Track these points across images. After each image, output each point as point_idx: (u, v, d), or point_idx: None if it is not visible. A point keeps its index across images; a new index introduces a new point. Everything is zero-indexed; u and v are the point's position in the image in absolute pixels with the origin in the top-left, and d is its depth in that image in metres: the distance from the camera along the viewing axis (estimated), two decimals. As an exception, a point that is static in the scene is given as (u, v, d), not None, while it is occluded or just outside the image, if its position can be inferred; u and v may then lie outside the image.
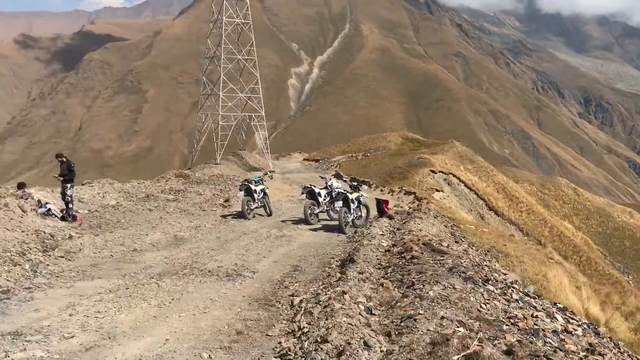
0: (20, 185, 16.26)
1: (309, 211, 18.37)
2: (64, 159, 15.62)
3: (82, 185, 21.57)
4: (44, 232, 11.63)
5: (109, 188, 22.20)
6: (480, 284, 8.71)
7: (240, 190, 19.85)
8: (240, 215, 19.26)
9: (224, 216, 19.45)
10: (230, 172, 43.23)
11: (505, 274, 10.77)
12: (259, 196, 20.05)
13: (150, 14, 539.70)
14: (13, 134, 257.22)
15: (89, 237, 12.74)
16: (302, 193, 19.46)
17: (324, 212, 19.39)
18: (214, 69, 56.16)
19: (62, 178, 15.44)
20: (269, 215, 20.35)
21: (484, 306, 7.64)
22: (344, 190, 17.79)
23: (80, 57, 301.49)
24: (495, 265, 11.84)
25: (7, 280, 8.84)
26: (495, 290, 8.72)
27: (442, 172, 47.44)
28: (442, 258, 9.94)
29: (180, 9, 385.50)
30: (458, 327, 6.21)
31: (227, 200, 22.68)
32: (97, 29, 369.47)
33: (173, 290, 8.99)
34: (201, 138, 57.04)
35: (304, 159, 64.99)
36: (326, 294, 7.83)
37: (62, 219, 14.67)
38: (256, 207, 19.96)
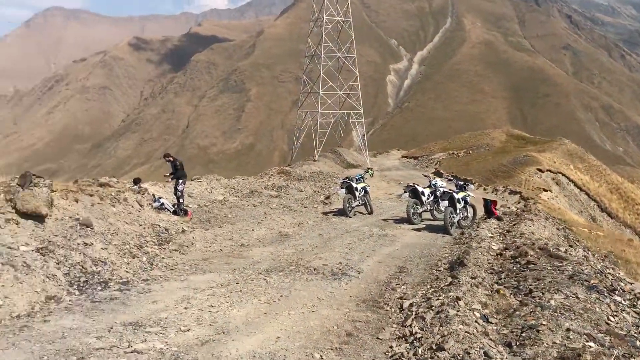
0: (137, 181, 17.16)
1: (412, 210, 17.97)
2: (171, 158, 16.29)
3: (192, 180, 22.52)
4: (159, 226, 12.19)
5: (215, 184, 23.02)
6: (605, 294, 8.05)
7: (342, 187, 19.81)
8: (341, 212, 19.23)
9: (325, 213, 19.50)
10: (328, 168, 43.54)
11: (631, 283, 9.89)
12: (360, 194, 19.92)
13: (254, 15, 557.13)
14: (127, 131, 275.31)
15: (200, 231, 13.21)
16: (405, 192, 19.06)
17: (427, 211, 18.92)
18: (314, 67, 56.88)
19: (171, 176, 16.19)
20: (370, 213, 20.16)
21: (612, 318, 7.05)
22: (450, 190, 17.24)
23: (188, 58, 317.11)
24: (619, 273, 10.91)
25: (127, 271, 9.33)
26: (623, 302, 8.02)
27: (550, 170, 45.06)
28: (560, 264, 9.30)
29: (282, 8, 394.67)
30: (587, 341, 5.73)
31: (327, 198, 22.77)
32: (203, 30, 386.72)
33: (281, 287, 9.06)
34: (301, 135, 57.97)
35: (402, 156, 64.23)
36: (438, 299, 7.54)
37: (174, 213, 15.36)
38: (357, 205, 19.86)
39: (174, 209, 15.43)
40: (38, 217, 9.04)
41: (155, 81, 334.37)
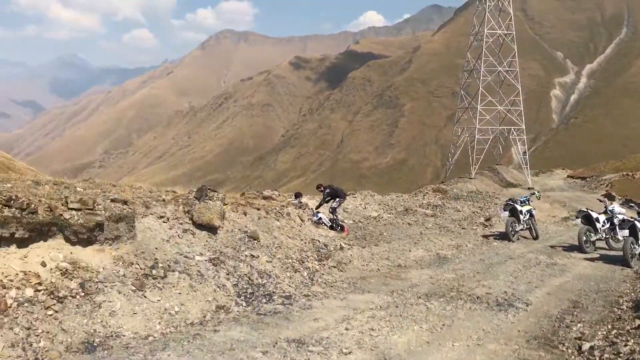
0: (298, 195, 17.72)
1: (585, 238, 16.41)
2: (322, 189, 17.11)
3: (346, 196, 22.96)
4: (319, 242, 12.42)
5: (370, 199, 23.10)
6: None
7: (505, 210, 18.72)
8: (503, 236, 18.18)
9: (486, 236, 18.56)
10: (485, 187, 41.71)
11: None
12: (524, 217, 18.71)
13: (411, 31, 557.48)
14: (286, 145, 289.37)
15: (357, 249, 13.25)
16: (577, 217, 17.47)
17: (601, 239, 17.17)
18: (472, 82, 55.17)
19: (321, 204, 16.90)
20: (535, 238, 18.81)
21: None
22: (630, 218, 15.44)
23: (344, 75, 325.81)
24: None
25: (289, 285, 9.56)
26: None
27: None
28: None
29: (440, 24, 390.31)
30: None
31: (488, 220, 21.71)
32: (360, 48, 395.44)
33: (442, 314, 8.66)
34: (456, 152, 56.30)
35: (568, 176, 59.65)
36: (626, 345, 6.65)
37: (331, 228, 15.62)
38: (521, 229, 18.66)
39: (330, 224, 15.68)
40: (211, 229, 9.64)
41: (313, 98, 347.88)
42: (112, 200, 8.65)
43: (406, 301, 9.31)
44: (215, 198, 10.03)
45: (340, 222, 16.05)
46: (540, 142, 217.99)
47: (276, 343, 6.87)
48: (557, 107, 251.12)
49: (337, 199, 16.34)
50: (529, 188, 40.82)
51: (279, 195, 17.95)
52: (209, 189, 10.33)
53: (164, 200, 9.92)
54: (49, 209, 7.53)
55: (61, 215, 7.57)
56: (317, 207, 16.64)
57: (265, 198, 15.91)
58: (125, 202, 8.77)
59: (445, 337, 7.58)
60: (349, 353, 6.73)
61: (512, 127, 53.55)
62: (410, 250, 14.21)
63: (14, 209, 7.04)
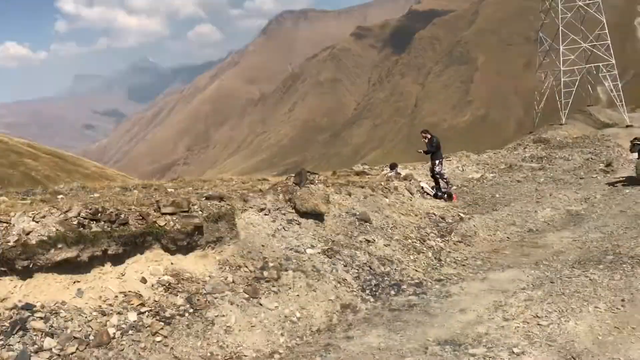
0: (393, 166, 16.23)
1: None
2: (428, 135, 14.95)
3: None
4: (435, 215, 11.01)
5: (466, 160, 21.32)
6: None
7: (632, 151, 16.46)
8: (633, 181, 15.92)
9: (612, 184, 16.35)
10: (579, 131, 38.50)
11: None
12: (657, 157, 16.34)
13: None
14: (359, 118, 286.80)
15: (478, 217, 11.67)
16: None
17: None
18: (549, 23, 51.13)
19: (425, 153, 14.96)
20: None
21: None
22: None
23: (410, 38, 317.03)
24: None
25: (416, 270, 8.25)
26: None
27: None
28: None
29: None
30: None
31: (609, 165, 19.31)
32: (422, 7, 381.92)
33: (614, 286, 7.04)
34: (542, 99, 52.64)
35: (671, 108, 54.28)
36: None
37: (435, 197, 14.04)
38: (654, 171, 16.31)
39: (434, 192, 14.12)
40: (317, 216, 8.51)
41: (381, 66, 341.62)
42: (207, 198, 7.69)
43: (560, 274, 7.74)
44: (316, 181, 8.92)
45: (448, 189, 14.37)
46: (629, 77, 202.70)
47: (426, 348, 5.59)
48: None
49: (438, 159, 14.56)
50: (627, 126, 37.19)
51: (371, 168, 16.58)
52: (309, 172, 9.23)
53: (260, 190, 8.90)
54: (140, 217, 6.61)
55: (155, 222, 6.65)
56: (424, 152, 14.97)
57: (358, 174, 14.65)
58: (221, 198, 7.77)
59: (634, 317, 6.00)
60: (522, 353, 5.33)
61: (601, 64, 49.26)
62: (535, 211, 12.46)
63: (102, 222, 6.17)
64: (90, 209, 6.18)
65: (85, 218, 6.08)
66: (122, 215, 6.44)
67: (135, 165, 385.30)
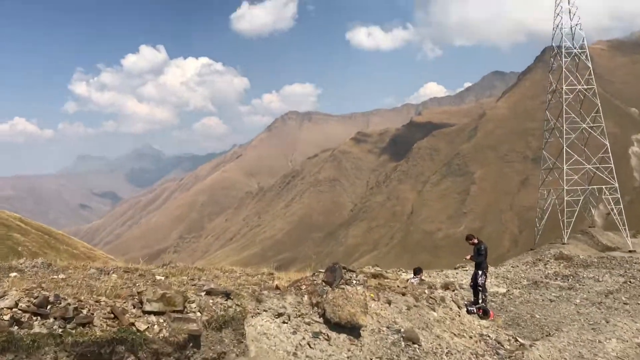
0: (417, 271, 14.19)
1: None
2: (476, 241, 13.22)
3: (455, 269, 19.41)
4: (489, 337, 8.76)
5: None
6: None
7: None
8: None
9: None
10: (581, 252, 36.85)
11: None
12: None
13: (474, 99, 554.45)
14: (355, 219, 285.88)
15: (541, 345, 9.39)
16: None
17: None
18: (553, 142, 51.06)
19: (472, 259, 12.99)
20: None
21: None
22: None
23: (409, 147, 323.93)
24: None
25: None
26: None
27: None
28: None
29: (503, 89, 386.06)
30: None
31: (656, 291, 17.24)
32: (423, 118, 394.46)
33: None
34: (544, 216, 51.34)
35: (671, 236, 52.91)
36: None
37: (468, 312, 11.80)
38: None
39: (476, 306, 11.90)
40: (352, 329, 6.32)
41: (380, 170, 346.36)
42: (209, 293, 5.58)
43: None
44: (354, 281, 6.86)
45: (485, 305, 12.16)
46: (625, 202, 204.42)
47: None
48: (638, 164, 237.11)
49: (483, 269, 12.54)
50: (629, 251, 35.60)
51: (385, 271, 14.47)
52: (345, 267, 7.18)
53: (277, 288, 6.82)
54: (112, 316, 4.46)
55: (133, 324, 4.49)
56: (470, 259, 12.96)
57: (375, 276, 12.49)
58: (227, 295, 5.66)
59: None
60: None
61: (604, 186, 48.69)
62: (599, 342, 10.23)
63: (51, 320, 4.01)
64: (37, 298, 4.03)
65: (25, 311, 3.93)
66: (85, 311, 4.27)
67: (127, 249, 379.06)
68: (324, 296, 6.61)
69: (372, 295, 7.44)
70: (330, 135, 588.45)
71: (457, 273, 20.51)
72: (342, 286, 6.95)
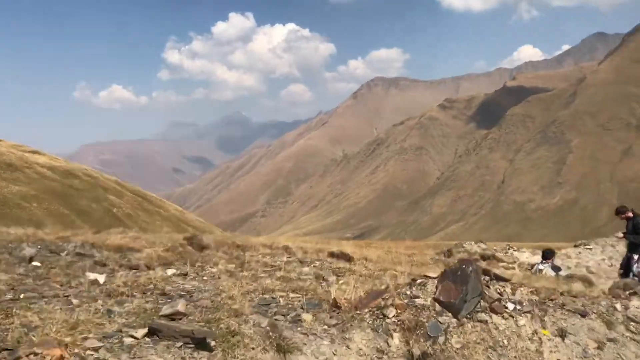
0: (548, 254, 10.75)
1: None
2: (631, 214, 10.50)
3: (576, 247, 16.46)
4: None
5: (611, 251, 16.62)
6: None
7: None
8: None
9: None
10: None
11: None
12: None
13: (572, 62, 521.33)
14: (442, 188, 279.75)
15: None
16: None
17: None
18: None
19: (625, 237, 10.71)
20: None
21: None
22: None
23: (502, 113, 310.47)
24: None
25: None
26: None
27: None
28: None
29: (605, 53, 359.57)
30: None
31: None
32: (518, 83, 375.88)
33: None
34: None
35: None
36: None
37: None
38: None
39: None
40: None
41: (469, 138, 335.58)
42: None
43: None
44: (509, 304, 4.84)
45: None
46: None
47: None
48: None
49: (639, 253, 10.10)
50: None
51: (496, 251, 12.72)
52: (488, 273, 5.30)
53: (336, 305, 4.99)
54: None
55: None
56: (623, 235, 10.47)
57: (485, 258, 11.04)
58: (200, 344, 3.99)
59: None
60: None
61: None
62: None
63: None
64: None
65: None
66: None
67: (216, 213, 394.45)
68: (438, 340, 4.33)
69: (546, 332, 4.91)
70: (418, 102, 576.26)
71: (579, 253, 16.55)
72: (482, 314, 4.63)
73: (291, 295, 5.34)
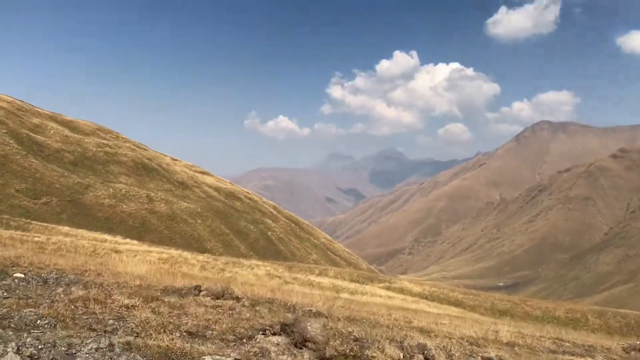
0: None
1: None
2: None
3: None
4: None
5: None
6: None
7: None
8: None
9: None
10: None
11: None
12: None
13: None
14: (609, 245, 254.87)
15: None
16: None
17: None
18: None
19: None
20: None
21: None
22: None
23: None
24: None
25: None
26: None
27: None
28: None
29: None
30: None
31: None
32: None
33: None
34: None
35: None
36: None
37: None
38: None
39: None
40: None
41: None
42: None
43: None
44: None
45: None
46: None
47: None
48: None
49: None
50: None
51: None
52: None
53: None
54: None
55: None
56: None
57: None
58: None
59: None
60: None
61: None
62: None
63: None
64: None
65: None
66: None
67: (364, 245, 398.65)
68: None
69: None
70: (587, 149, 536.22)
71: None
72: None
73: None
